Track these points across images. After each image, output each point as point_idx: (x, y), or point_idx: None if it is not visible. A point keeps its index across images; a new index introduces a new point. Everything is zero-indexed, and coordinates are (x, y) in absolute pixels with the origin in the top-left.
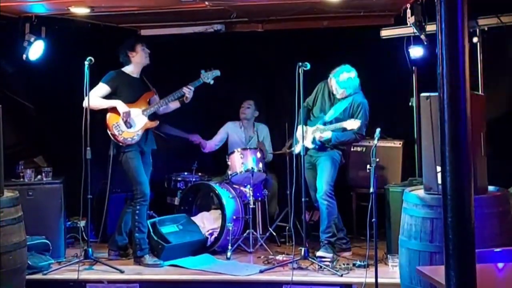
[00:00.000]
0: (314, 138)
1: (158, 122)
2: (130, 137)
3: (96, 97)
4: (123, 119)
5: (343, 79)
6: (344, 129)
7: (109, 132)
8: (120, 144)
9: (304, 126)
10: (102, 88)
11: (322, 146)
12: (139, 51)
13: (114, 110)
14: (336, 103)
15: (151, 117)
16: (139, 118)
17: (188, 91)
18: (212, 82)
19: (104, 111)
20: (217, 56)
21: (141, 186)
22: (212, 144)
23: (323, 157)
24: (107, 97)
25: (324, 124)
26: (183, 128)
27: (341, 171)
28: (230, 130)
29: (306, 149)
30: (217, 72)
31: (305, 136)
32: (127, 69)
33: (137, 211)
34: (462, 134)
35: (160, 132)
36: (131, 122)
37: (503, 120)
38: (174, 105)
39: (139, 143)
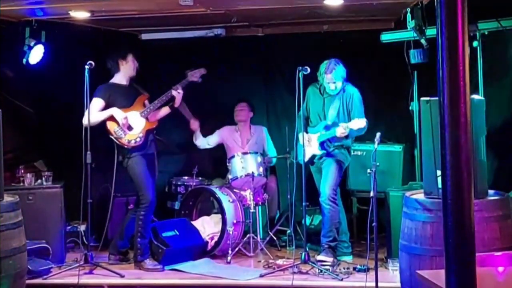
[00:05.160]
0: (320, 144)
1: (157, 123)
2: (133, 139)
3: (94, 112)
4: (122, 125)
5: (335, 70)
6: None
7: (112, 137)
8: (125, 146)
9: (305, 133)
10: (97, 102)
11: (330, 151)
12: (129, 61)
13: (112, 117)
14: (327, 102)
15: (150, 118)
16: (138, 121)
17: (176, 94)
18: (200, 80)
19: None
20: (217, 60)
21: (147, 191)
22: (204, 143)
23: (329, 159)
24: (103, 109)
25: (326, 127)
26: (183, 133)
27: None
28: (226, 136)
29: (313, 157)
30: (202, 70)
31: (310, 143)
32: (116, 79)
33: (141, 217)
34: (462, 138)
35: (164, 140)
36: (131, 125)
37: (504, 124)
38: (164, 111)
39: (144, 145)
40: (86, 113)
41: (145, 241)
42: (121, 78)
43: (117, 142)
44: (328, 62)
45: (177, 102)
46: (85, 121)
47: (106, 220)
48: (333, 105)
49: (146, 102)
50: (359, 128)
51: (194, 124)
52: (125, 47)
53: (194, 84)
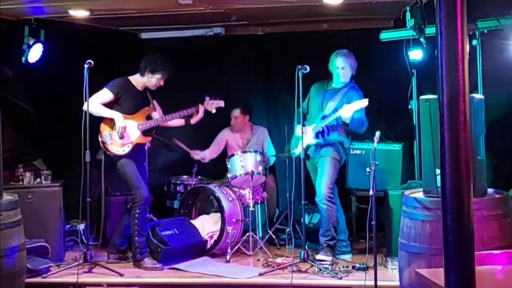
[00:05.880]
0: (315, 133)
1: (150, 138)
2: (120, 148)
3: (98, 103)
4: (116, 132)
5: (346, 56)
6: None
7: (100, 139)
8: (108, 153)
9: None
10: (106, 94)
11: (324, 141)
12: (155, 78)
13: (110, 120)
14: (328, 95)
15: (145, 132)
16: (133, 132)
17: (196, 112)
18: (214, 111)
19: (102, 117)
20: (217, 59)
21: (139, 190)
22: (212, 154)
23: (324, 158)
24: (108, 104)
25: (324, 117)
26: (183, 130)
27: (340, 173)
28: (228, 137)
29: (307, 149)
30: (220, 103)
31: (306, 135)
32: (134, 79)
33: (137, 215)
34: (461, 136)
35: (163, 139)
36: (124, 134)
37: (503, 123)
38: (178, 122)
39: (131, 154)
40: (89, 100)
41: (142, 239)
42: (139, 82)
43: (102, 146)
44: (340, 50)
45: (195, 120)
46: (85, 107)
47: (105, 219)
48: (334, 99)
49: (152, 114)
50: (361, 108)
51: (195, 154)
52: (161, 63)
53: (194, 85)
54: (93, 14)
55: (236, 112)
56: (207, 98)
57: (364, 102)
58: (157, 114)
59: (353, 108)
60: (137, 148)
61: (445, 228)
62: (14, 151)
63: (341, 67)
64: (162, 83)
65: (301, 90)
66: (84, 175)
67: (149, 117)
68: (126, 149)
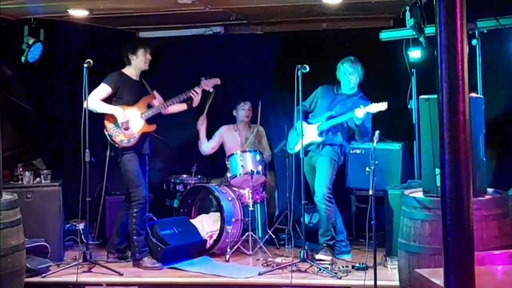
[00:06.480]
0: (320, 132)
1: (155, 126)
2: (127, 139)
3: (97, 99)
4: (121, 127)
5: (353, 62)
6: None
7: (106, 133)
8: (117, 145)
9: (304, 123)
10: (104, 89)
11: (327, 140)
12: (139, 56)
13: (112, 115)
14: (337, 100)
15: (149, 121)
16: (137, 121)
17: (194, 95)
18: (212, 90)
19: (103, 114)
20: (216, 59)
21: (139, 188)
22: (209, 148)
23: (322, 158)
24: (108, 98)
25: (330, 117)
26: (182, 129)
27: (340, 173)
28: (225, 135)
29: (307, 147)
30: (217, 80)
31: (307, 132)
32: (128, 70)
33: (135, 214)
34: (461, 136)
35: (163, 138)
36: (128, 125)
37: (502, 122)
38: (180, 107)
39: (137, 146)
40: (88, 97)
41: (141, 237)
42: (132, 71)
43: (110, 139)
44: (346, 57)
45: (195, 102)
46: (85, 104)
47: (104, 218)
48: (344, 104)
49: (152, 102)
50: (378, 111)
51: (201, 122)
52: (136, 41)
53: (193, 84)
54: (92, 13)
55: (249, 104)
56: (203, 79)
57: (383, 106)
58: (157, 102)
59: (370, 109)
60: (144, 138)
61: (444, 228)
62: (14, 150)
63: (349, 72)
64: (149, 57)
65: (300, 90)
66: (83, 174)
67: (150, 106)
68: (133, 140)
